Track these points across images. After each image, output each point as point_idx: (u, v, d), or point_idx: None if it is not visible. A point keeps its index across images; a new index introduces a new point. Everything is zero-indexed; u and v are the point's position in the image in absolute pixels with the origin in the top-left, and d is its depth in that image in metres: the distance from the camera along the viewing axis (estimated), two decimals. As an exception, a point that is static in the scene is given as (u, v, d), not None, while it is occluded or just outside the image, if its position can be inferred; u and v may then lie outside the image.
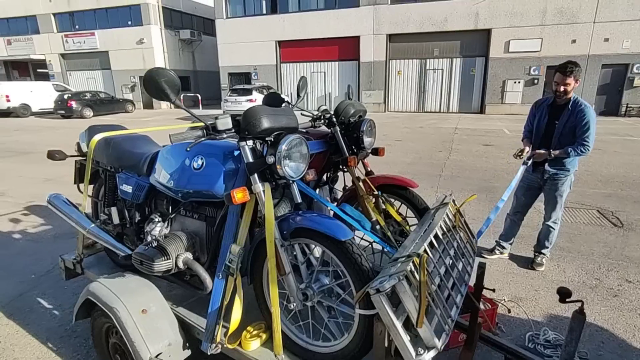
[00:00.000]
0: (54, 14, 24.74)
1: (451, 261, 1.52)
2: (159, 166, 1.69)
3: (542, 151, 2.88)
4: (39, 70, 26.84)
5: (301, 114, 2.20)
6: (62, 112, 17.37)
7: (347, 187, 2.28)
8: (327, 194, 2.33)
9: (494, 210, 2.51)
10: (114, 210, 1.98)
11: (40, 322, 2.46)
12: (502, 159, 7.49)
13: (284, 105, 1.84)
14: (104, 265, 2.22)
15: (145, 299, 1.61)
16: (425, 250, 1.34)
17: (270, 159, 1.38)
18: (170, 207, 1.76)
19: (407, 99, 18.15)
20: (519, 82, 15.73)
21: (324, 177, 2.31)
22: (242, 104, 14.56)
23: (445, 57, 16.88)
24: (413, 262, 1.22)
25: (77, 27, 24.64)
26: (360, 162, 2.21)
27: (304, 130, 2.09)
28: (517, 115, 15.24)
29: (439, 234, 1.52)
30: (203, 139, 1.37)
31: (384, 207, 2.07)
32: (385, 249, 1.84)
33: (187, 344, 1.64)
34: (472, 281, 1.72)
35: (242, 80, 20.36)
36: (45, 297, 2.79)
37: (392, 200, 2.16)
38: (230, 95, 15.60)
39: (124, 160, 1.91)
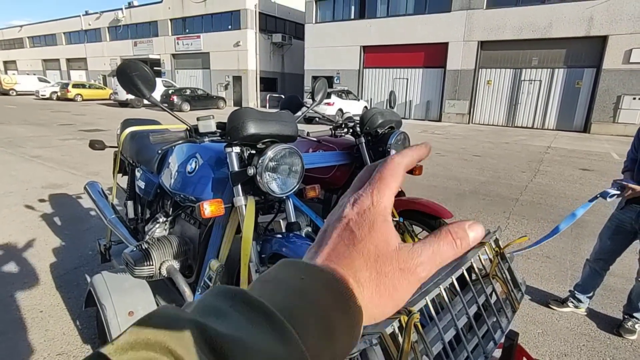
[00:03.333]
0: (171, 19, 28.13)
1: (467, 322, 1.18)
2: (166, 165, 1.64)
3: (637, 187, 2.26)
4: (154, 68, 30.85)
5: (317, 119, 1.99)
6: (166, 105, 19.58)
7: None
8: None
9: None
10: (129, 204, 2.01)
11: (79, 299, 2.63)
12: (603, 187, 6.29)
13: (302, 110, 1.67)
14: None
15: (134, 301, 1.57)
16: (426, 305, 1.04)
17: (250, 171, 1.22)
18: (171, 209, 1.71)
19: (496, 112, 16.60)
20: (640, 99, 13.29)
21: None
22: (320, 106, 14.88)
23: (545, 67, 15.04)
24: (400, 320, 0.94)
25: (187, 30, 27.68)
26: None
27: (315, 139, 1.88)
28: (632, 137, 12.91)
29: (455, 284, 1.19)
30: (180, 142, 1.26)
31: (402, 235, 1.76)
32: None
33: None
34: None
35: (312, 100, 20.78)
36: (92, 274, 3.01)
37: (418, 230, 1.82)
38: (309, 98, 16.01)
39: (142, 155, 1.93)
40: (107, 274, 1.71)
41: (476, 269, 1.34)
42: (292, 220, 1.38)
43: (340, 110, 16.13)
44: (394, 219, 1.74)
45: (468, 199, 5.54)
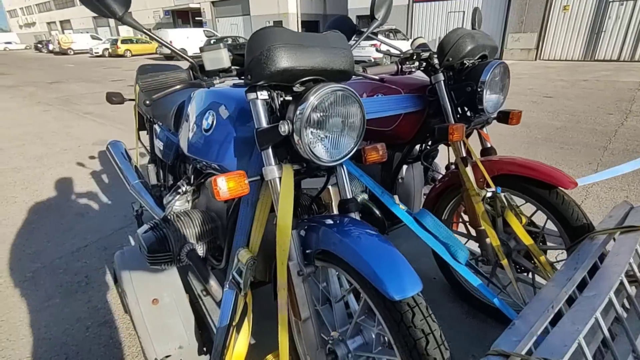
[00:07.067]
0: (207, -37, 26.96)
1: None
2: (183, 121, 1.29)
3: None
4: (196, 18, 30.39)
5: (377, 49, 1.49)
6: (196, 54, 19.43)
7: (449, 169, 1.54)
8: (419, 174, 1.62)
9: None
10: (151, 168, 1.73)
11: (122, 262, 2.54)
12: None
13: (354, 37, 1.20)
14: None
15: (158, 286, 1.33)
16: (581, 348, 0.63)
17: (284, 127, 0.81)
18: (193, 176, 1.38)
19: (571, 44, 14.30)
20: None
21: (417, 149, 1.59)
22: (365, 49, 13.77)
23: (643, -18, 12.39)
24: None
25: (224, -26, 26.42)
26: (475, 131, 1.42)
27: (377, 78, 1.37)
28: None
29: (616, 304, 0.76)
30: (178, 86, 0.87)
31: (502, 213, 1.28)
32: (494, 301, 1.11)
33: (205, 349, 1.32)
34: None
35: (369, 23, 19.15)
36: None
37: (519, 200, 1.32)
38: (354, 40, 14.90)
39: (158, 109, 1.59)
40: (129, 251, 1.48)
41: (636, 271, 0.89)
42: (348, 197, 0.99)
43: (389, 52, 14.73)
44: (489, 190, 1.28)
45: (541, 148, 4.78)
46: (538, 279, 1.50)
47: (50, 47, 32.26)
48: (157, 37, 0.86)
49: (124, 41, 25.82)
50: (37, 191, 3.78)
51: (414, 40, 1.43)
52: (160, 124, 1.62)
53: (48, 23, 48.80)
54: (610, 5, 13.10)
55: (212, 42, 19.36)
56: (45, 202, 3.53)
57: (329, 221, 0.90)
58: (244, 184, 0.85)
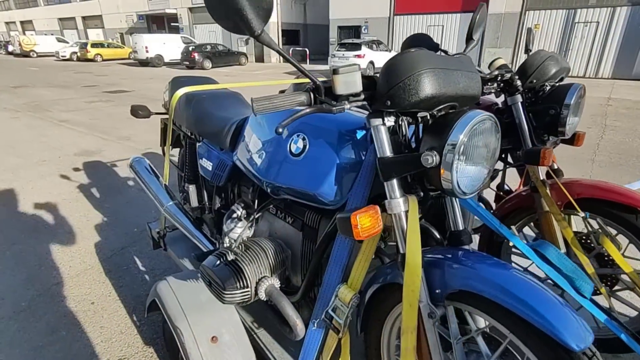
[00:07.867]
0: (185, -31, 26.54)
1: None
2: (246, 140, 1.19)
3: None
4: (172, 23, 29.76)
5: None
6: (187, 63, 19.01)
7: (508, 190, 1.52)
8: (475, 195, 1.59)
9: None
10: (192, 189, 1.60)
11: (131, 286, 2.36)
12: (690, 145, 5.53)
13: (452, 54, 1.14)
14: (190, 246, 1.90)
15: (217, 322, 1.20)
16: None
17: (431, 159, 0.74)
18: (257, 200, 1.28)
19: (542, 60, 15.11)
20: None
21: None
22: (350, 59, 14.07)
23: (604, 5, 13.29)
24: None
25: (202, -19, 26.08)
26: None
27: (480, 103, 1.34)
28: None
29: None
30: (307, 110, 0.77)
31: (587, 238, 1.26)
32: (621, 336, 1.06)
33: (267, 390, 1.21)
34: None
35: (351, 34, 19.53)
36: (142, 257, 2.73)
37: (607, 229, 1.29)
38: (337, 50, 15.13)
39: (205, 126, 1.47)
40: (174, 281, 1.33)
41: None
42: (460, 228, 0.93)
43: (372, 62, 14.94)
44: (575, 213, 1.26)
45: (535, 160, 4.94)
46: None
47: (10, 48, 30.60)
48: (291, 58, 0.76)
49: (94, 45, 24.82)
50: (17, 207, 3.47)
51: (494, 60, 1.41)
52: (208, 142, 1.49)
53: (7, 23, 46.23)
54: (575, 25, 13.97)
55: (190, 48, 18.79)
56: (29, 219, 3.23)
57: (455, 256, 0.83)
58: (379, 220, 0.76)
